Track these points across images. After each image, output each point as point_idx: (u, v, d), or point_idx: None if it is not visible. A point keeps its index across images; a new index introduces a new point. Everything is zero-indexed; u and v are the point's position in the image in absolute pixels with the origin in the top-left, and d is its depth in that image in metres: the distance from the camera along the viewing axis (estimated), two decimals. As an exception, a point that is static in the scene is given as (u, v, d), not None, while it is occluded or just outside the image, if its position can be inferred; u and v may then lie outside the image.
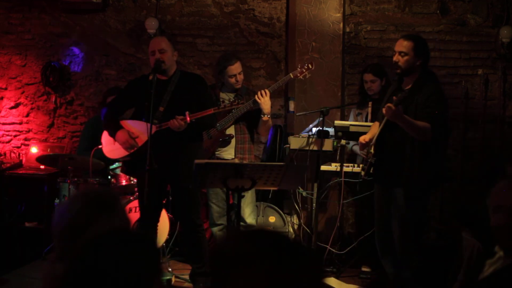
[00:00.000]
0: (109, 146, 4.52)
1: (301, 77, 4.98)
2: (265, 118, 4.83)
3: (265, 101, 4.77)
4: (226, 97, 4.98)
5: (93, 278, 1.40)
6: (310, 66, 4.93)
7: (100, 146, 4.66)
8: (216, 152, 4.95)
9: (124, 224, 1.83)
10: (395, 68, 4.14)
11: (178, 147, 4.34)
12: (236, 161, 4.85)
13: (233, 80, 4.88)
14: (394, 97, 3.92)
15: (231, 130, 4.93)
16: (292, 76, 4.97)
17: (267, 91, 4.79)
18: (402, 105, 3.94)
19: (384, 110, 3.93)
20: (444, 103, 4.18)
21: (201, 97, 4.44)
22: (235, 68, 4.87)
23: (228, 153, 4.94)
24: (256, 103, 4.79)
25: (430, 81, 4.12)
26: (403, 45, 4.09)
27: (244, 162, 4.81)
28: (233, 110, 4.72)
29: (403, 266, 4.19)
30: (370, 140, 4.19)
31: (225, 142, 4.93)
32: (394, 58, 4.11)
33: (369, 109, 5.33)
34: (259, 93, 4.77)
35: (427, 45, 4.24)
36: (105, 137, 4.56)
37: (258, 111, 4.86)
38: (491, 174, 5.11)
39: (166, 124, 4.25)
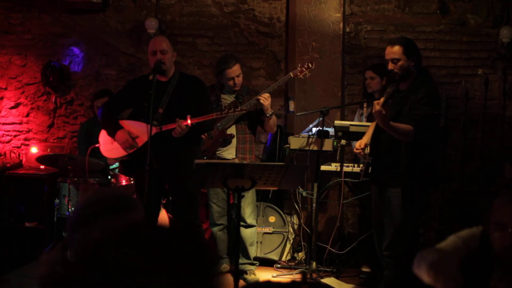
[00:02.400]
0: (107, 145, 4.51)
1: (301, 76, 4.99)
2: (269, 117, 4.87)
3: (268, 103, 4.82)
4: (227, 97, 4.98)
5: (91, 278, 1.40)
6: (310, 65, 4.94)
7: (97, 145, 4.65)
8: (217, 152, 4.96)
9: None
10: (392, 76, 4.12)
11: (177, 150, 4.34)
12: (236, 161, 4.85)
13: (231, 83, 4.90)
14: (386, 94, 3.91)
15: (232, 130, 4.94)
16: (292, 75, 4.98)
17: (269, 94, 4.84)
18: (395, 105, 3.95)
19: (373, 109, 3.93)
20: (436, 104, 4.17)
21: (200, 100, 4.44)
22: (233, 71, 4.86)
23: (229, 153, 4.95)
24: (260, 103, 4.82)
25: (425, 83, 4.11)
26: (393, 51, 4.05)
27: (245, 162, 4.82)
28: (244, 112, 4.74)
29: (387, 264, 4.20)
30: (366, 144, 4.21)
31: (226, 142, 4.94)
32: (389, 67, 4.08)
33: (364, 109, 5.34)
34: (262, 96, 4.80)
35: (415, 44, 4.21)
36: (103, 136, 4.55)
37: (258, 111, 4.88)
38: (489, 173, 5.12)
39: (166, 127, 4.25)
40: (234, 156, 4.93)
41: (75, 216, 1.80)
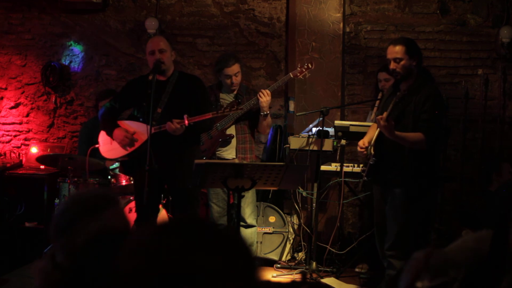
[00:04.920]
0: (106, 145, 4.51)
1: (300, 76, 4.98)
2: (263, 116, 4.84)
3: (266, 100, 4.77)
4: (226, 97, 4.98)
5: (87, 279, 1.40)
6: (310, 66, 4.93)
7: (97, 146, 4.65)
8: (217, 152, 4.95)
9: (122, 226, 1.83)
10: (394, 75, 4.14)
11: (176, 149, 4.34)
12: (236, 161, 4.85)
13: (228, 81, 4.89)
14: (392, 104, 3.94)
15: (231, 130, 4.93)
16: (292, 76, 4.98)
17: (269, 91, 4.79)
18: (397, 105, 3.95)
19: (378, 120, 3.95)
20: (441, 104, 4.19)
21: (199, 99, 4.44)
22: (231, 70, 4.85)
23: (229, 153, 4.95)
24: (257, 100, 4.79)
25: (427, 82, 4.13)
26: (395, 51, 4.07)
27: (245, 162, 4.82)
28: (242, 111, 4.72)
29: (389, 264, 4.19)
30: (369, 143, 4.20)
31: (226, 142, 4.93)
32: (391, 66, 4.09)
33: (375, 108, 5.32)
34: (262, 92, 4.77)
35: (417, 44, 4.23)
36: (102, 136, 4.55)
37: (258, 110, 4.87)
38: (488, 172, 5.12)
39: (165, 126, 4.24)
40: (234, 156, 4.92)
41: (55, 223, 1.81)
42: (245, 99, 4.91)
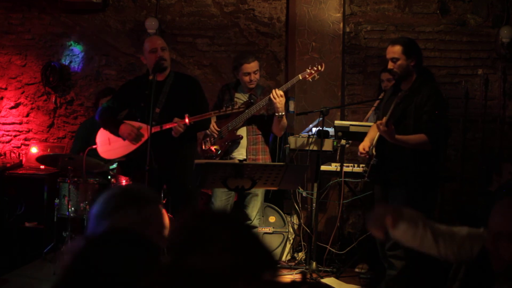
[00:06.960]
0: (105, 146, 4.50)
1: (309, 78, 4.81)
2: (278, 117, 4.73)
3: (280, 100, 4.64)
4: (241, 97, 4.89)
5: (90, 278, 1.40)
6: (319, 68, 4.77)
7: (94, 146, 4.64)
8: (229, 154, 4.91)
9: (158, 225, 1.88)
10: (393, 75, 4.17)
11: (174, 148, 4.34)
12: (236, 161, 4.84)
13: (247, 78, 4.80)
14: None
15: (242, 131, 4.87)
16: (300, 78, 4.83)
17: (281, 92, 4.67)
18: (399, 105, 3.95)
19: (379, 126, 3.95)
20: (442, 103, 4.19)
21: (197, 99, 4.44)
22: (251, 67, 4.76)
23: (239, 153, 4.87)
24: (271, 101, 4.66)
25: (427, 82, 4.13)
26: (392, 51, 4.10)
27: (259, 163, 4.76)
28: (246, 110, 4.67)
29: (390, 264, 4.19)
30: (370, 146, 4.20)
31: (235, 143, 4.88)
32: (389, 66, 4.13)
33: (372, 108, 5.32)
34: (274, 92, 4.63)
35: (416, 44, 4.24)
36: (100, 137, 4.55)
37: (271, 114, 4.79)
38: (488, 172, 5.11)
39: (166, 126, 4.24)
40: (245, 157, 4.84)
41: (99, 209, 1.86)
42: (258, 99, 4.82)
